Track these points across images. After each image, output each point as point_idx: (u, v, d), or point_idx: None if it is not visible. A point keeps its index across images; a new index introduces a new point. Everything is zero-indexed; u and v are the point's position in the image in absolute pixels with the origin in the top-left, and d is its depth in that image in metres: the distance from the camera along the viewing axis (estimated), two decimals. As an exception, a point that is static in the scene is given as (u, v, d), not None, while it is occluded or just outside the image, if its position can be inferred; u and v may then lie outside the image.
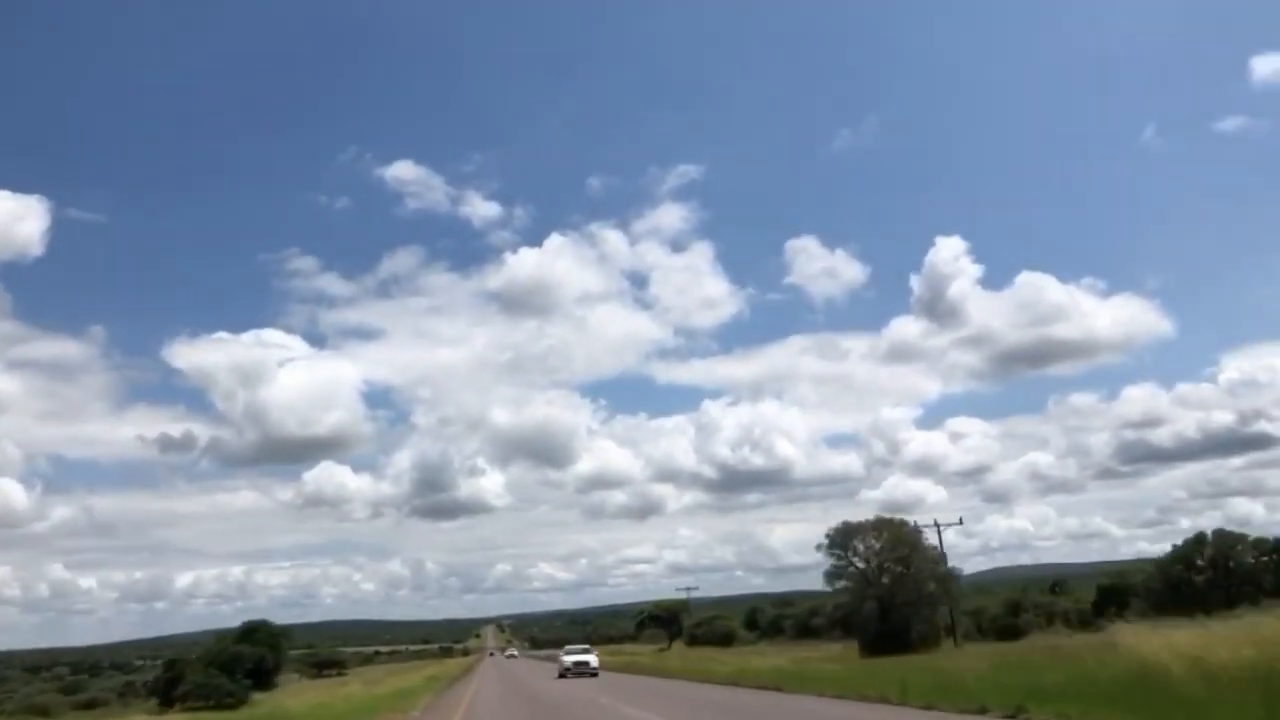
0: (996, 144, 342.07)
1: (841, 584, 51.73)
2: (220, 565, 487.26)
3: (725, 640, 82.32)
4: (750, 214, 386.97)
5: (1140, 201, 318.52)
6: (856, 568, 50.57)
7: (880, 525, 50.49)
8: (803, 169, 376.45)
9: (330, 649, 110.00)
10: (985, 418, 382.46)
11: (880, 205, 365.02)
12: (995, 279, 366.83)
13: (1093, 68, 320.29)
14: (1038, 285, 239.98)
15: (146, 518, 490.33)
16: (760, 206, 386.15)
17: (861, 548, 50.29)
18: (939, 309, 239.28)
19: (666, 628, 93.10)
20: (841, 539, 50.50)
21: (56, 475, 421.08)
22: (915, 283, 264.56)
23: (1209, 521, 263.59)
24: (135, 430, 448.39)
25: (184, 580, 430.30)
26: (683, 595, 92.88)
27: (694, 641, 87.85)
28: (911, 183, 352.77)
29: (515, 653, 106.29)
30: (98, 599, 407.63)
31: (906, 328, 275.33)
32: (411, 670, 72.73)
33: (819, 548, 50.73)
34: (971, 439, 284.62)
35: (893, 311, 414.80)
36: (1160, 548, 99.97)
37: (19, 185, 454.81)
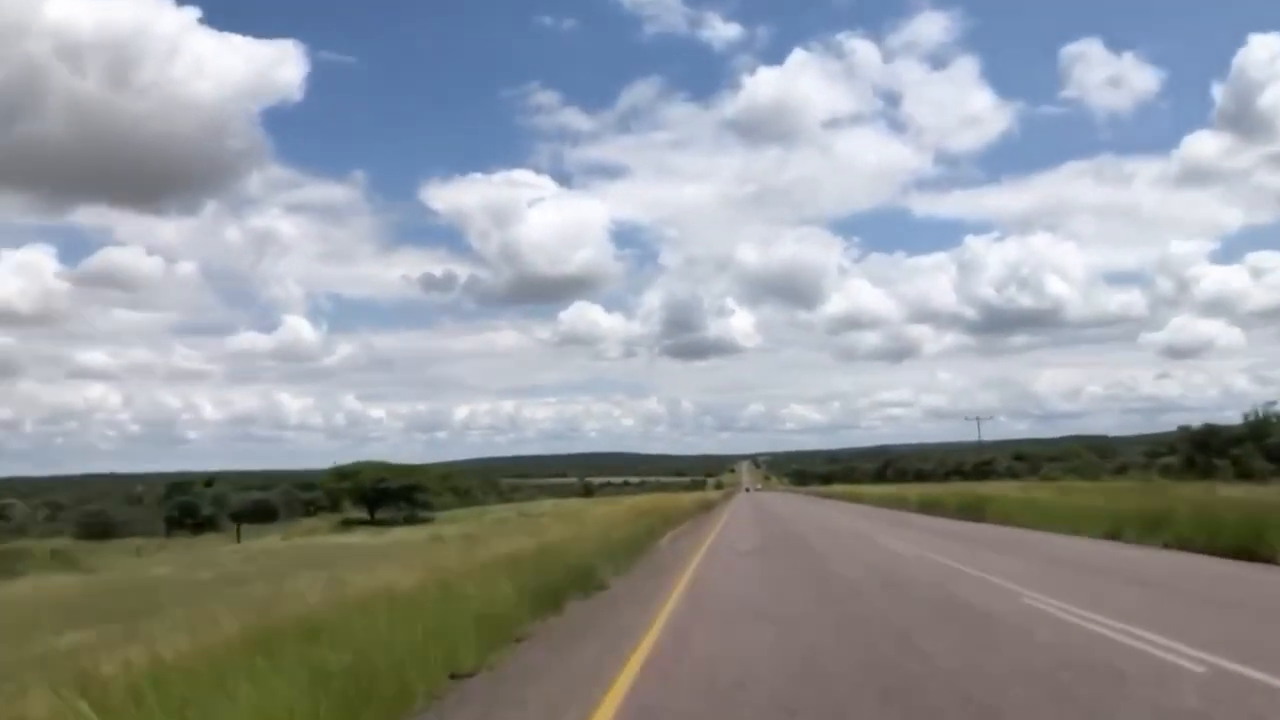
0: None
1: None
2: (492, 400, 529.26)
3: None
4: (1022, 16, 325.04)
5: None
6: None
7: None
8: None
9: (483, 480, 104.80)
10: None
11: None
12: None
13: None
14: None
15: (421, 354, 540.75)
16: (1034, 6, 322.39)
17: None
18: (1247, 121, 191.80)
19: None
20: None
21: (337, 313, 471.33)
22: (1219, 91, 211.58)
23: None
24: (401, 270, 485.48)
25: (461, 413, 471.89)
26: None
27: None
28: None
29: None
30: (387, 428, 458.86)
31: (1204, 145, 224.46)
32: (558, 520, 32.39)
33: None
34: (1278, 274, 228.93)
35: (1189, 126, 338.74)
36: None
37: (267, 29, 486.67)
